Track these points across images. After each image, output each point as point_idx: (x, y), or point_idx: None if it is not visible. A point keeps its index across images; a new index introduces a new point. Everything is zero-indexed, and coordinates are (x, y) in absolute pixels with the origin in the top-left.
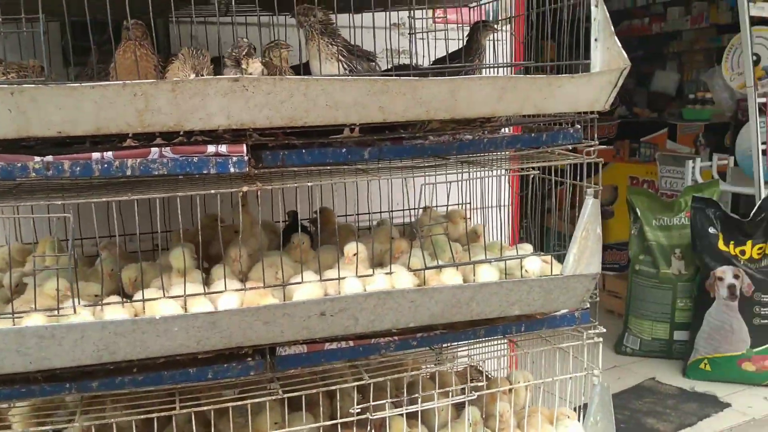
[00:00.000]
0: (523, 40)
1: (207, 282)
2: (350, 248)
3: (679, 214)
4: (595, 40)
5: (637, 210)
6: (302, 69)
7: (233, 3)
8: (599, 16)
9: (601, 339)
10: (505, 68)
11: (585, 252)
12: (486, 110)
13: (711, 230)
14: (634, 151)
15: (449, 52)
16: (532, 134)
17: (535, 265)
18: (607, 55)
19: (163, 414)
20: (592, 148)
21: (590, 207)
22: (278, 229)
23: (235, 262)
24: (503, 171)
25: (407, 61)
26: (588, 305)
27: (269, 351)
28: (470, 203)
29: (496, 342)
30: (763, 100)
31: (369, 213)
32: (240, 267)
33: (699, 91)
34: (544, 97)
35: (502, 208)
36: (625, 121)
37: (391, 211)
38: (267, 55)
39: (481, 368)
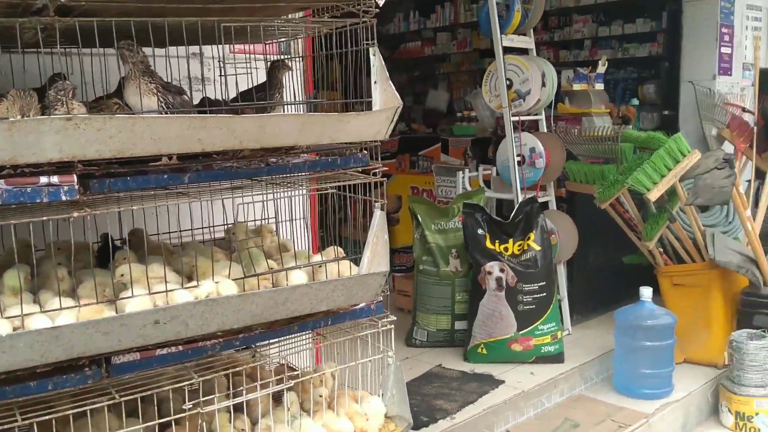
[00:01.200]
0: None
1: (39, 302)
2: (116, 271)
3: (453, 219)
4: (375, 82)
5: (419, 216)
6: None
7: (58, 38)
8: (377, 63)
9: (392, 326)
10: (302, 105)
11: (376, 255)
12: (290, 141)
13: (479, 231)
14: (414, 164)
15: (254, 85)
16: (329, 158)
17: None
18: (385, 95)
19: (5, 427)
20: (377, 170)
21: (378, 218)
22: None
23: (63, 280)
24: (306, 190)
25: (210, 88)
26: (381, 299)
27: (105, 361)
28: (276, 218)
29: (305, 338)
30: (516, 118)
31: (191, 229)
32: (70, 285)
33: (466, 110)
34: (337, 130)
35: (302, 220)
36: (405, 137)
37: (204, 227)
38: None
39: (292, 365)
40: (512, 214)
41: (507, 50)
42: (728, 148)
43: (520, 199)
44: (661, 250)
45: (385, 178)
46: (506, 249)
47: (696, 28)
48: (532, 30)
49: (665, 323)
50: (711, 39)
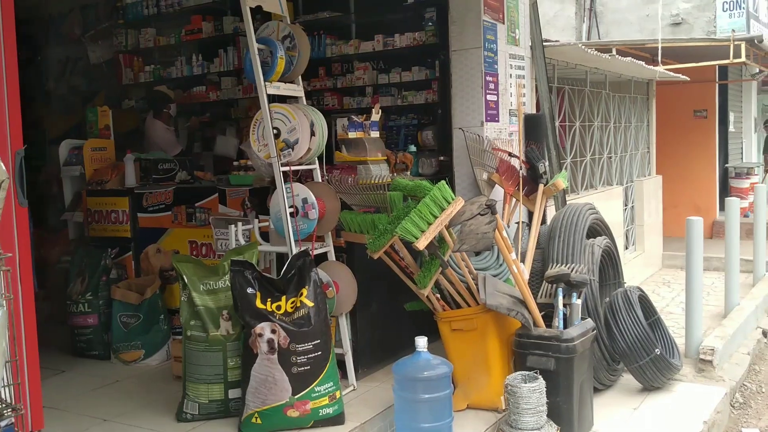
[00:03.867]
0: None
1: None
2: None
3: (224, 277)
4: None
5: (185, 277)
6: None
7: None
8: None
9: None
10: None
11: None
12: None
13: (249, 290)
14: (191, 216)
15: None
16: None
17: None
18: None
19: None
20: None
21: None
22: None
23: None
24: None
25: None
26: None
27: None
28: None
29: None
30: (286, 168)
31: None
32: None
33: (242, 158)
34: None
35: None
36: (180, 187)
37: None
38: None
39: None
40: (283, 270)
41: (277, 99)
42: (499, 191)
43: (294, 253)
44: (438, 296)
45: (9, 269)
46: (279, 307)
47: (463, 76)
48: (300, 77)
49: (441, 373)
50: (477, 87)
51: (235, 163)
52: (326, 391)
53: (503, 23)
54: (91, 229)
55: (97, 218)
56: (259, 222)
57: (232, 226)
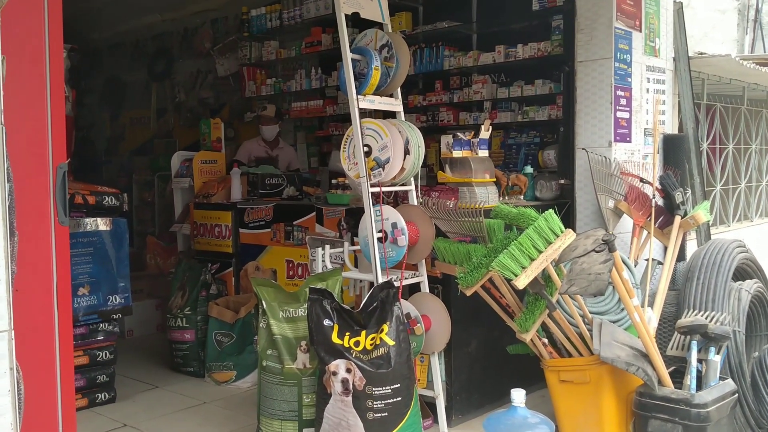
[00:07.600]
0: None
1: None
2: None
3: (305, 305)
4: None
5: (264, 303)
6: None
7: None
8: None
9: None
10: None
11: None
12: None
13: (326, 322)
14: (289, 234)
15: None
16: None
17: None
18: None
19: None
20: None
21: None
22: None
23: None
24: None
25: None
26: None
27: None
28: None
29: None
30: (376, 189)
31: None
32: None
33: (340, 177)
34: None
35: None
36: (279, 204)
37: None
38: None
39: None
40: (364, 301)
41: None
42: (627, 222)
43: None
44: (546, 340)
45: None
46: (357, 344)
47: (589, 90)
48: (399, 90)
49: None
50: (605, 102)
51: (333, 182)
52: None
53: (640, 31)
54: (197, 243)
55: (202, 231)
56: (352, 246)
57: (319, 248)
